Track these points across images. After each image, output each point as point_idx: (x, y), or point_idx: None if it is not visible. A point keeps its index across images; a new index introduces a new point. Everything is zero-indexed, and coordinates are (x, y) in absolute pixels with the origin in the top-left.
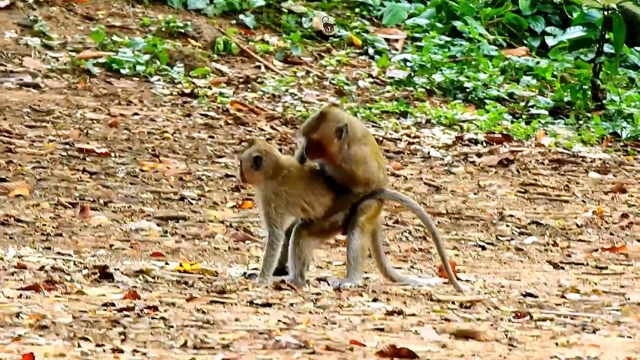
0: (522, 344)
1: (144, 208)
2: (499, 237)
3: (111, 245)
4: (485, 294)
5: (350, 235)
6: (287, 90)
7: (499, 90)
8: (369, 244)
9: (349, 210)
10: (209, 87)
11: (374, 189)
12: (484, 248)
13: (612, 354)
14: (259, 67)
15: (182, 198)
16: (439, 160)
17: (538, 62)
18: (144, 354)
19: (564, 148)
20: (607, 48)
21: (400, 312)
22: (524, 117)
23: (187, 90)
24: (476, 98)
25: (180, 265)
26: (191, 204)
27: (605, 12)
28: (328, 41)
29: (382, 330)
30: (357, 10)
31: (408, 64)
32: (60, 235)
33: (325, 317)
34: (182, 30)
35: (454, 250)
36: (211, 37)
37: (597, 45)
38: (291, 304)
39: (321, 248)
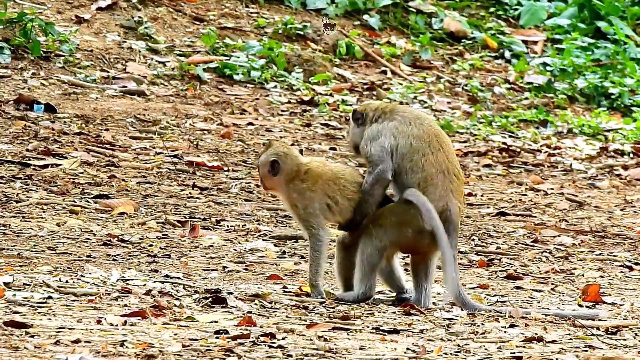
0: None
1: (259, 227)
2: None
3: (224, 267)
4: (633, 318)
5: None
6: (415, 97)
7: None
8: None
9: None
10: (331, 94)
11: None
12: (631, 269)
13: None
14: (384, 72)
15: None
16: (582, 173)
17: None
18: None
19: None
20: None
21: (539, 339)
22: None
23: (306, 98)
24: (622, 105)
25: (300, 288)
26: None
27: None
28: (460, 43)
29: (520, 358)
30: (492, 10)
31: (548, 68)
32: (169, 256)
33: (459, 345)
34: (301, 32)
35: (598, 271)
36: (332, 40)
37: None
38: (421, 331)
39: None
